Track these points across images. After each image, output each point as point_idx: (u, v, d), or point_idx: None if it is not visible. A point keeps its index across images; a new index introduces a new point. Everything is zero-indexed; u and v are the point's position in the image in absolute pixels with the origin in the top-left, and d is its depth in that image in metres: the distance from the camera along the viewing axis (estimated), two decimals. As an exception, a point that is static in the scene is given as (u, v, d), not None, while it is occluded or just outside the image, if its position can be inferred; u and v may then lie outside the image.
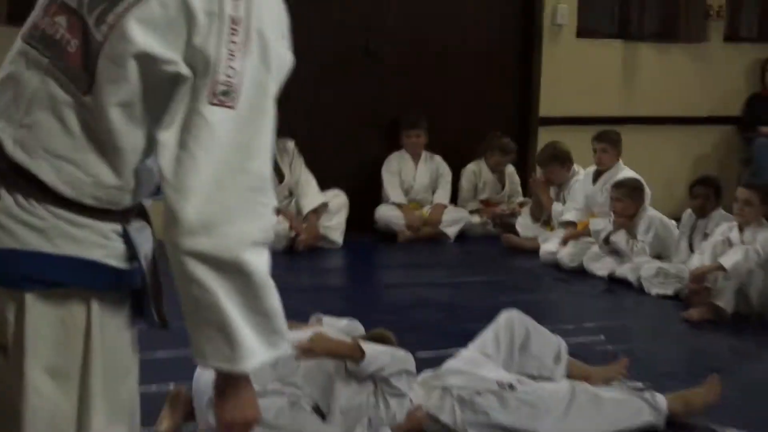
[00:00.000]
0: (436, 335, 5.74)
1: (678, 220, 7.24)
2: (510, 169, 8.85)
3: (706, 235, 6.76)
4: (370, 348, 4.00)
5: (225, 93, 1.90)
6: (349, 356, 3.97)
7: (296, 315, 3.96)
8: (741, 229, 6.46)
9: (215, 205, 1.90)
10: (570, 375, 4.66)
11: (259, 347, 2.02)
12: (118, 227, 2.04)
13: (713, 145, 9.81)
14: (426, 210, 8.54)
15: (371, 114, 8.64)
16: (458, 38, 8.90)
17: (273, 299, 2.04)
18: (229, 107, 1.90)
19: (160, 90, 1.93)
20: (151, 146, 1.97)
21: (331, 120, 8.47)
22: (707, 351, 5.87)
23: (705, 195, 6.86)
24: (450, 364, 4.52)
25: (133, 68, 1.90)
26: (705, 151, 9.73)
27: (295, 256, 7.69)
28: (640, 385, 4.86)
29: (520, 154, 8.93)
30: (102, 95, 1.92)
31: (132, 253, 2.05)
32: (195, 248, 1.90)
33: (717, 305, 6.27)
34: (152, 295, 2.12)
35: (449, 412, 4.14)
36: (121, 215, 2.05)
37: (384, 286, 7.51)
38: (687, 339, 6.10)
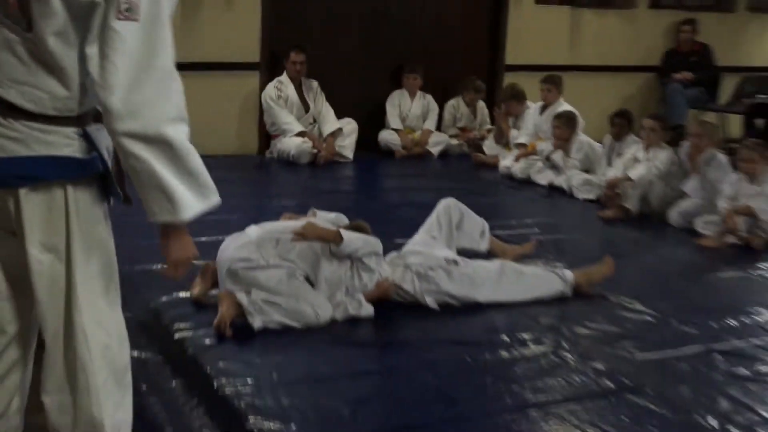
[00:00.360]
0: (412, 227, 5.74)
1: (604, 143, 7.15)
2: (481, 104, 8.78)
3: (620, 155, 6.70)
4: (347, 235, 4.03)
5: (128, 9, 1.96)
6: (332, 240, 3.99)
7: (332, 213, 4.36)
8: (646, 150, 6.44)
9: (135, 95, 1.98)
10: (491, 249, 4.80)
11: (193, 200, 2.14)
12: (78, 129, 2.12)
13: (638, 88, 9.71)
14: (417, 134, 8.50)
15: (380, 61, 8.55)
16: (447, 5, 8.88)
17: (195, 161, 2.14)
18: (134, 20, 1.97)
19: (81, 17, 1.99)
20: (84, 61, 2.03)
21: (348, 65, 8.42)
22: (616, 240, 5.85)
23: (620, 124, 6.84)
24: (409, 246, 4.54)
25: (57, 4, 1.96)
26: (631, 92, 9.63)
27: (316, 168, 7.69)
28: (557, 264, 4.90)
29: (489, 93, 8.88)
30: (40, 30, 1.98)
31: (92, 147, 2.13)
32: (126, 130, 2.00)
33: (625, 207, 6.28)
34: (116, 177, 2.21)
35: (410, 283, 4.19)
36: (78, 120, 2.12)
37: (382, 190, 7.55)
38: (601, 232, 6.11)
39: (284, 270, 3.94)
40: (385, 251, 4.28)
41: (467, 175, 7.75)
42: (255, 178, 7.58)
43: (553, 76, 7.81)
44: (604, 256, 4.67)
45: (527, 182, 7.36)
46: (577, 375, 3.60)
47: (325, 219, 4.27)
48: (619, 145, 6.82)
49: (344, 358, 3.66)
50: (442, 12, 8.82)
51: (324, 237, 3.99)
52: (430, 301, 4.16)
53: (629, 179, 6.28)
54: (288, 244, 3.98)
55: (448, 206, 4.68)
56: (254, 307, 3.80)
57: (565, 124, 7.15)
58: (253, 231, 4.06)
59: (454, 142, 8.57)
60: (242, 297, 3.80)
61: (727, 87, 9.52)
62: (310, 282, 4.02)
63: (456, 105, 8.73)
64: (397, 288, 4.16)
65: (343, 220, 4.33)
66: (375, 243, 4.13)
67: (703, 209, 5.97)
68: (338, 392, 3.32)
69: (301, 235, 3.97)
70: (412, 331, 3.98)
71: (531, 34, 8.97)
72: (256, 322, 3.79)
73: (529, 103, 8.03)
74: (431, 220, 4.65)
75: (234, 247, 3.99)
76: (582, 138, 7.21)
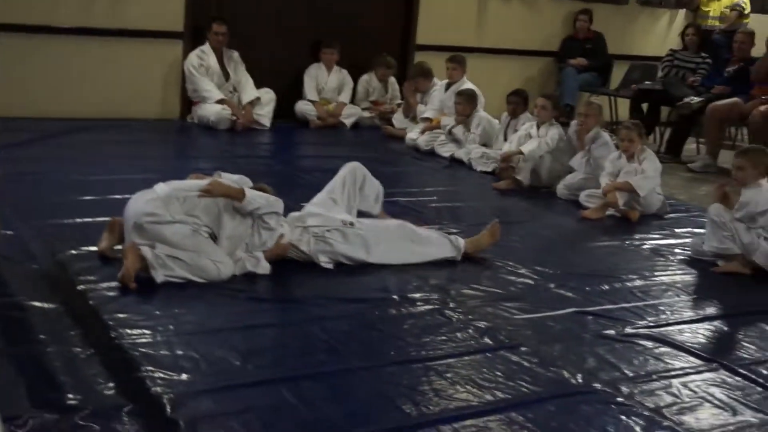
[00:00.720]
0: (318, 190, 5.69)
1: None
2: (392, 79, 8.67)
3: (516, 131, 6.68)
4: (250, 193, 3.93)
5: None
6: (235, 197, 3.88)
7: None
8: (538, 127, 6.44)
9: None
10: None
11: None
12: None
13: (537, 71, 9.70)
14: (332, 106, 8.37)
15: (298, 34, 8.37)
16: None
17: None
18: None
19: None
20: None
21: (267, 37, 8.23)
22: (507, 209, 5.84)
23: (516, 102, 6.83)
24: (308, 207, 4.46)
25: None
26: (531, 74, 9.61)
27: (234, 134, 7.54)
28: (452, 230, 4.86)
29: (400, 70, 8.73)
30: None
31: None
32: None
33: (518, 179, 6.29)
34: None
35: (306, 244, 4.12)
36: None
37: (295, 156, 7.38)
38: (495, 201, 6.07)
39: (189, 226, 3.83)
40: (291, 213, 4.24)
41: (376, 145, 7.65)
42: (175, 141, 7.43)
43: (457, 56, 7.74)
44: (492, 221, 4.62)
45: (431, 154, 7.31)
46: (460, 333, 3.58)
47: (229, 180, 4.14)
48: (514, 122, 6.80)
49: (240, 312, 3.57)
50: None
51: (228, 194, 3.88)
52: (324, 261, 4.10)
53: (521, 153, 6.25)
54: (194, 200, 3.87)
55: (353, 169, 4.58)
56: (158, 261, 3.68)
57: (466, 100, 7.10)
58: (160, 188, 3.92)
59: (366, 114, 8.46)
60: (146, 251, 3.68)
61: (618, 73, 9.53)
62: (214, 238, 3.90)
63: (369, 80, 8.59)
64: (294, 247, 4.09)
65: (247, 182, 4.21)
66: (275, 203, 4.03)
67: (587, 183, 6.01)
68: (231, 344, 3.24)
69: (207, 192, 3.87)
70: (306, 288, 3.91)
71: (441, 17, 8.84)
72: (159, 276, 3.68)
73: (435, 80, 7.97)
74: (335, 182, 4.55)
75: (142, 202, 3.86)
76: (481, 114, 7.17)
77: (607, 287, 4.28)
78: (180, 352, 3.13)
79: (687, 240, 5.24)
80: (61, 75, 7.29)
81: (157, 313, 3.47)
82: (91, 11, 7.31)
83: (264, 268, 3.94)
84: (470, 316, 3.72)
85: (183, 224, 3.81)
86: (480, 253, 4.49)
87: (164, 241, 3.74)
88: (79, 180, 5.38)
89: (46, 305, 3.45)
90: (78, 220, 4.55)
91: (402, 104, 8.26)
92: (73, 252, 4.05)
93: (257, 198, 3.93)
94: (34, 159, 5.88)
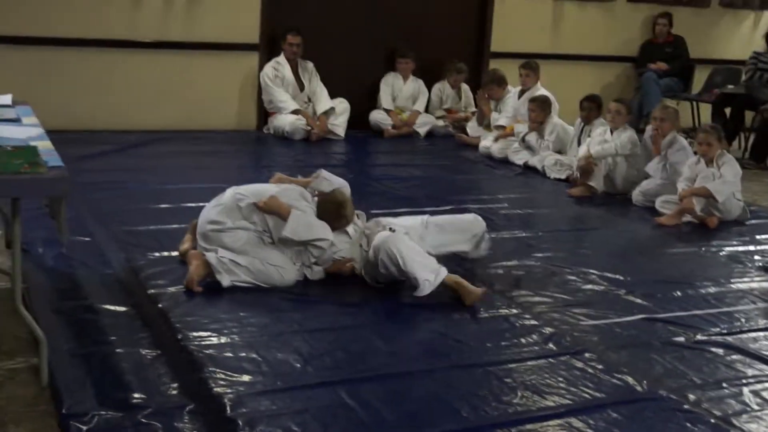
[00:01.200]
0: (391, 198, 5.72)
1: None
2: (465, 86, 8.63)
3: (589, 136, 6.59)
4: (293, 218, 3.88)
5: None
6: (282, 218, 3.88)
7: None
8: (612, 132, 6.34)
9: None
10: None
11: None
12: None
13: (615, 77, 9.55)
14: (406, 114, 8.36)
15: (372, 44, 8.37)
16: None
17: None
18: None
19: None
20: None
21: (342, 48, 8.23)
22: (582, 217, 5.84)
23: (589, 107, 6.71)
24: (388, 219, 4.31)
25: None
26: (609, 80, 9.47)
27: (309, 144, 7.59)
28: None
29: (474, 77, 8.67)
30: None
31: None
32: None
33: (592, 186, 6.21)
34: None
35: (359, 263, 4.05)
36: None
37: (370, 166, 7.40)
38: (569, 208, 6.02)
39: (249, 232, 3.90)
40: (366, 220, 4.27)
41: (450, 153, 7.64)
42: (250, 152, 7.53)
43: (531, 63, 7.66)
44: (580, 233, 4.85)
45: (504, 162, 7.22)
46: (523, 338, 3.57)
47: (329, 181, 4.16)
48: (588, 127, 6.67)
49: (301, 316, 3.63)
50: (431, 1, 8.68)
51: (278, 213, 3.89)
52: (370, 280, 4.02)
53: (590, 156, 6.19)
54: (252, 207, 3.92)
55: (472, 221, 4.30)
56: (222, 267, 3.77)
57: (540, 107, 7.01)
58: (227, 194, 4.01)
59: (440, 123, 8.41)
60: (211, 256, 3.79)
61: (700, 78, 9.36)
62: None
63: (442, 88, 8.54)
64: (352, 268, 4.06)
65: (345, 188, 4.20)
66: (320, 232, 3.95)
67: (663, 189, 5.90)
68: (292, 347, 3.30)
69: (260, 207, 3.90)
70: (365, 293, 3.96)
71: (515, 23, 8.78)
72: (225, 281, 3.77)
73: (509, 87, 7.89)
74: (443, 220, 4.30)
75: (209, 209, 3.97)
76: (555, 120, 7.08)
77: (679, 294, 4.21)
78: (242, 354, 3.19)
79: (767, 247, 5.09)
80: (140, 88, 7.44)
81: (222, 316, 3.55)
82: (168, 26, 7.49)
83: (318, 273, 3.99)
84: (535, 322, 3.71)
85: (244, 230, 3.90)
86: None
87: (226, 248, 3.83)
88: (155, 189, 5.52)
89: (117, 308, 3.57)
90: (152, 227, 4.68)
91: (476, 112, 8.24)
92: (146, 257, 4.18)
93: (297, 227, 3.88)
94: (113, 169, 6.04)
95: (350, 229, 4.04)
